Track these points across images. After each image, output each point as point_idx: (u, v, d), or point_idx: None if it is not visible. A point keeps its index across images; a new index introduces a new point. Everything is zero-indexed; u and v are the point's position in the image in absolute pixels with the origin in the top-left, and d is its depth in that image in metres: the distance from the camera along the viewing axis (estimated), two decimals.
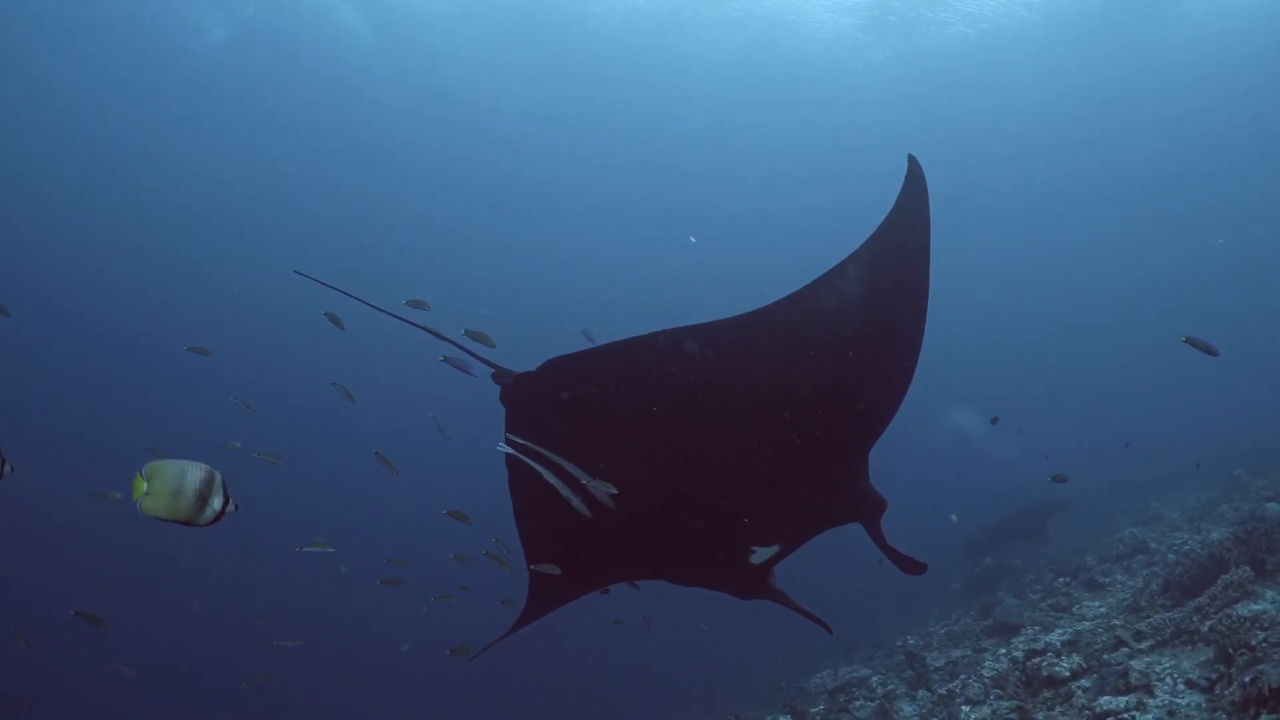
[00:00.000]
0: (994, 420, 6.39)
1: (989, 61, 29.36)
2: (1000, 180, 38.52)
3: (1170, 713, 4.98)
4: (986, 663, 7.68)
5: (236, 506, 2.55)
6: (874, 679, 9.35)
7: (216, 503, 2.49)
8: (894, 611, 14.88)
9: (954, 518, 13.08)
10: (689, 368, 3.33)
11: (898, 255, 3.26)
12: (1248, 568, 6.53)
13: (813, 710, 8.75)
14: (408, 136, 35.34)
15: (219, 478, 2.50)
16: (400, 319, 4.16)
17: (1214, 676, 5.25)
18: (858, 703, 8.42)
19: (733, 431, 3.42)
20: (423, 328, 4.13)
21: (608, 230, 43.39)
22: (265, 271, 38.31)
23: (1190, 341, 5.10)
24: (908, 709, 7.78)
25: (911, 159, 3.23)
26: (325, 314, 6.39)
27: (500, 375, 3.81)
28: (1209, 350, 5.05)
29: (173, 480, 2.44)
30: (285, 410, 34.94)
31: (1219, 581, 6.48)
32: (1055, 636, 7.48)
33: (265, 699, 18.84)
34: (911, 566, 3.48)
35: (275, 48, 28.28)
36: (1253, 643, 5.24)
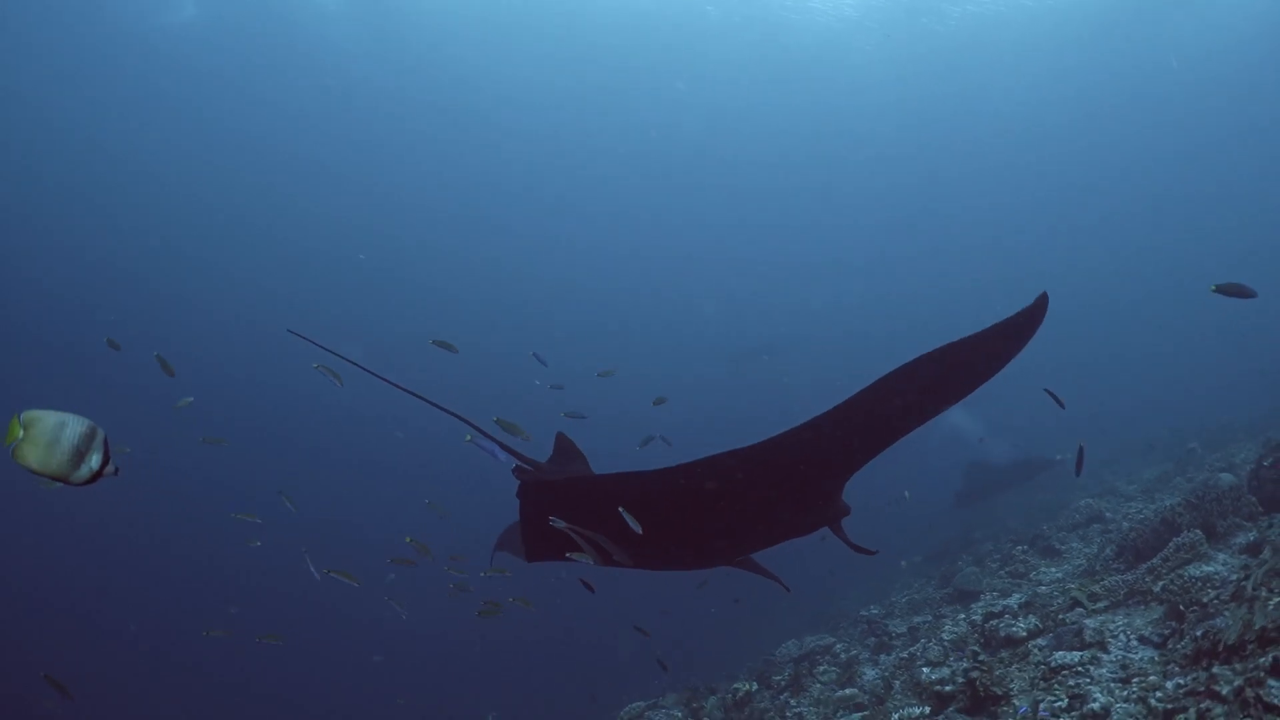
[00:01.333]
0: (1049, 392, 6.51)
1: (990, 45, 29.36)
2: (985, 166, 38.57)
3: (1124, 666, 5.10)
4: (946, 627, 7.81)
5: (117, 469, 2.37)
6: (838, 646, 9.49)
7: (95, 461, 2.30)
8: (858, 584, 15.08)
9: (906, 494, 13.32)
10: (714, 491, 3.57)
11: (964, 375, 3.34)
12: (1199, 531, 6.69)
13: (777, 678, 8.85)
14: (385, 114, 34.71)
15: (101, 434, 2.32)
16: (421, 398, 4.20)
17: (1166, 632, 5.39)
18: (821, 668, 8.53)
19: (734, 532, 3.83)
20: (451, 413, 4.17)
21: (601, 220, 43.06)
22: (241, 255, 37.59)
23: (1221, 289, 5.32)
24: (870, 673, 7.91)
25: (1042, 300, 3.15)
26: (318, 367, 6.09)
27: (522, 471, 4.08)
28: (1245, 293, 5.27)
29: (50, 431, 2.25)
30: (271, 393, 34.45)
31: (1171, 544, 6.63)
32: (1013, 600, 7.64)
33: (249, 690, 18.74)
34: (864, 551, 3.94)
35: (246, 25, 27.53)
36: (1204, 600, 5.37)
